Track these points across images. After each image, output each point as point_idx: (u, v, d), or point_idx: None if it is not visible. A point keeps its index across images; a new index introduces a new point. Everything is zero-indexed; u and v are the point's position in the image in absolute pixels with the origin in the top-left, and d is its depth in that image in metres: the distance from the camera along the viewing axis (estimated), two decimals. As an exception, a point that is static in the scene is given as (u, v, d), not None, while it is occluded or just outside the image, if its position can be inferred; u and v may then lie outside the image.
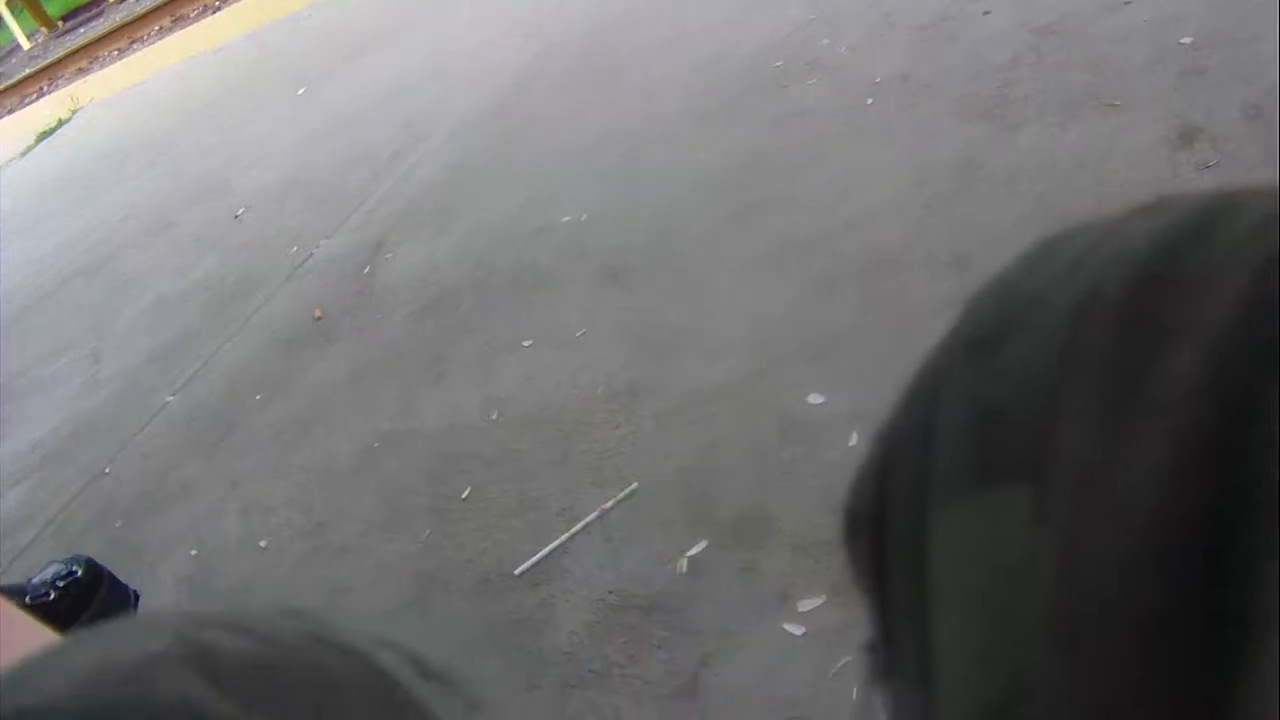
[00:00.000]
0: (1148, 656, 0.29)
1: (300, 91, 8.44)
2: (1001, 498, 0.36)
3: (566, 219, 4.48)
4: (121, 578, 3.33)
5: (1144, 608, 0.29)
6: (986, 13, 4.21)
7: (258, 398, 4.60)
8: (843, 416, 2.92)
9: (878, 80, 4.21)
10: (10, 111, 17.88)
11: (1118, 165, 3.26)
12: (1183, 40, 3.55)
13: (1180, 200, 0.36)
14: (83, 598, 3.31)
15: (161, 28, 16.45)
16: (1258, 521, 0.27)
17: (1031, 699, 0.34)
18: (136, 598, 3.52)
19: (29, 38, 24.20)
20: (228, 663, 0.37)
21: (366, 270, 5.06)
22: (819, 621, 2.47)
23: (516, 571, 3.01)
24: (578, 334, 3.80)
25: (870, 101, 4.11)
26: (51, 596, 3.26)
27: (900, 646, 0.43)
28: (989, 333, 0.41)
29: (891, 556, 0.42)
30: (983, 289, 0.44)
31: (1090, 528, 0.31)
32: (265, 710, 0.35)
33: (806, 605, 2.53)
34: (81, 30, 21.59)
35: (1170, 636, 0.29)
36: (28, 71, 19.64)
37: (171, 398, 5.02)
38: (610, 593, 2.84)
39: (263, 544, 3.72)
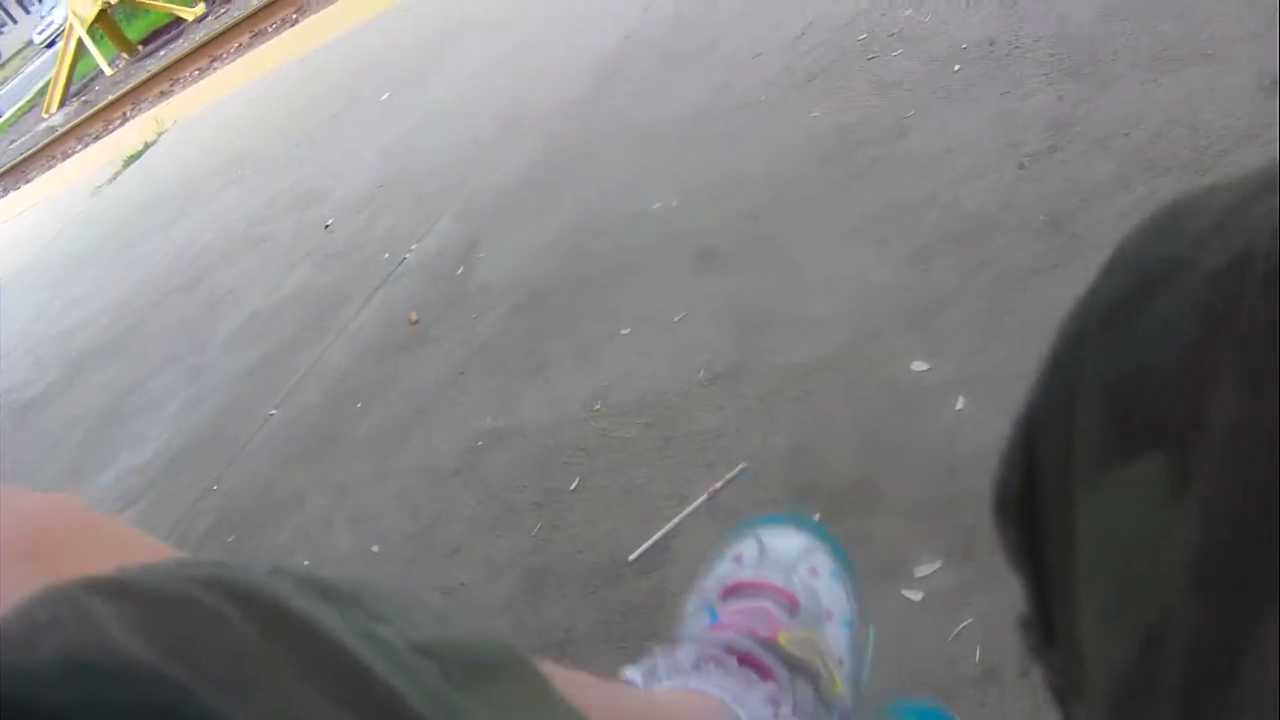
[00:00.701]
0: None
1: (384, 97, 8.48)
2: (1142, 468, 0.35)
3: (658, 205, 4.47)
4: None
5: None
6: (1071, -29, 4.16)
7: (358, 405, 4.63)
8: (948, 381, 2.90)
9: (964, 47, 4.17)
10: (96, 139, 18.16)
11: (1213, 115, 3.20)
12: (1274, -17, 3.49)
13: None
14: None
15: (240, 44, 16.62)
16: None
17: (1165, 655, 0.33)
18: None
19: (110, 64, 24.55)
20: (113, 621, 0.37)
21: (460, 271, 5.07)
22: (937, 586, 2.45)
23: (630, 558, 3.01)
24: (676, 319, 3.79)
25: (957, 68, 4.07)
26: None
27: (1054, 620, 0.43)
28: (1127, 299, 0.39)
29: (1042, 536, 0.42)
30: (1113, 257, 0.42)
31: (1234, 485, 0.30)
32: (153, 655, 0.36)
33: (923, 570, 2.51)
34: (162, 53, 21.88)
35: None
36: (111, 98, 19.94)
37: (274, 411, 5.07)
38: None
39: (375, 549, 3.74)
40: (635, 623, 2.85)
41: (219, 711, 0.35)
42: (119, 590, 0.40)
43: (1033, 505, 0.42)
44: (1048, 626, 0.43)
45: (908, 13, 4.65)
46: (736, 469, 3.05)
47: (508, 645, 0.50)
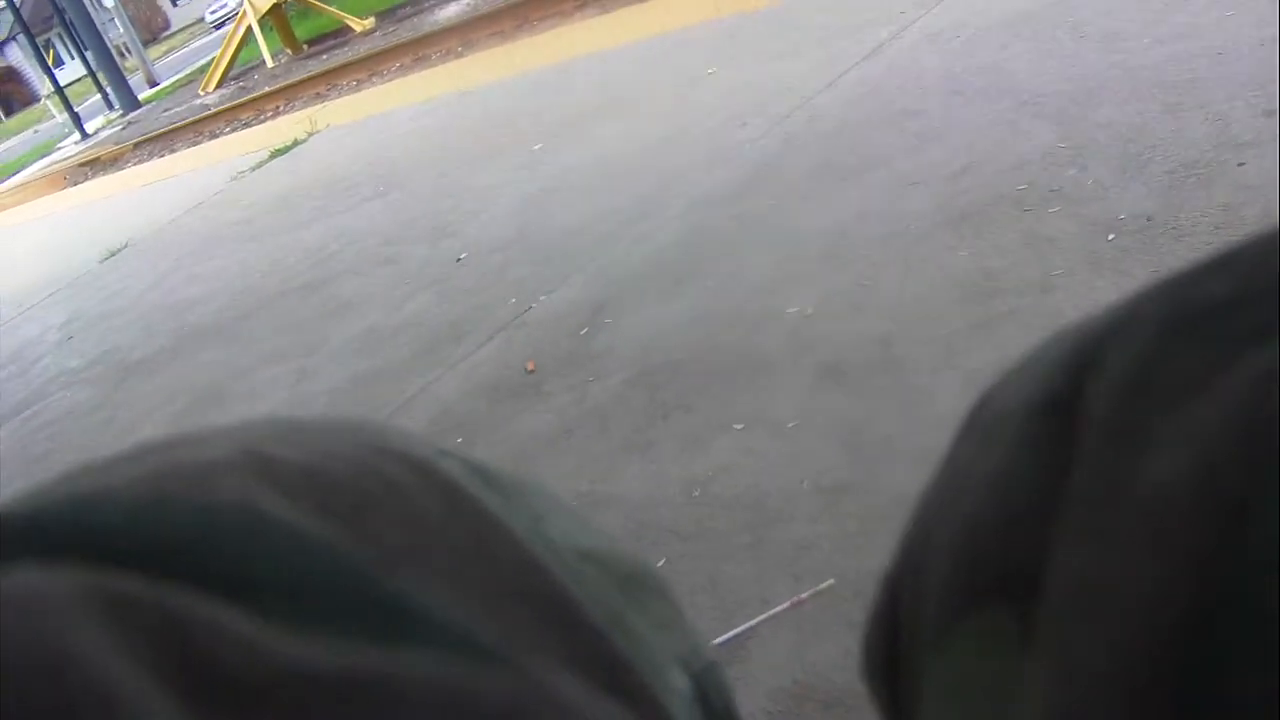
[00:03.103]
0: None
1: (537, 147, 8.56)
2: (986, 622, 0.34)
3: (793, 309, 4.51)
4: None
5: None
6: (1242, 164, 4.16)
7: (459, 440, 4.66)
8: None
9: (1121, 217, 4.18)
10: (245, 125, 18.42)
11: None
12: None
13: (1170, 293, 0.33)
14: None
15: (403, 65, 16.82)
16: (1249, 639, 0.25)
17: None
18: None
19: (274, 57, 24.96)
20: (291, 471, 0.36)
21: (584, 331, 5.13)
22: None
23: (703, 649, 3.02)
24: (790, 425, 3.81)
25: (1112, 237, 4.08)
26: None
27: None
28: (968, 454, 0.38)
29: (903, 701, 0.40)
30: (966, 416, 0.41)
31: (1075, 647, 0.29)
32: (330, 517, 0.35)
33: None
34: (325, 57, 22.16)
35: None
36: (268, 89, 20.24)
37: (375, 426, 5.11)
38: (793, 683, 2.83)
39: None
40: (698, 713, 2.87)
41: (397, 587, 0.34)
42: (296, 439, 0.39)
43: (897, 670, 0.40)
44: None
45: (1071, 172, 4.66)
46: (825, 584, 3.06)
47: (655, 569, 0.48)
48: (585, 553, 0.44)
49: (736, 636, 3.02)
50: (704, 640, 0.47)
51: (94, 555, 0.31)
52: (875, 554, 3.11)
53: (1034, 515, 0.32)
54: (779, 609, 3.04)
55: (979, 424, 0.39)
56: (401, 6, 24.51)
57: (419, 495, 0.38)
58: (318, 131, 13.48)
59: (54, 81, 32.90)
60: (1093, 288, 3.86)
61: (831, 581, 3.06)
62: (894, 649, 0.40)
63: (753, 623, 3.04)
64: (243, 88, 23.92)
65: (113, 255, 11.68)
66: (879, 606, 0.42)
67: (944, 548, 0.37)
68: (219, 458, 0.36)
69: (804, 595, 3.04)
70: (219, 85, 26.31)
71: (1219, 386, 0.28)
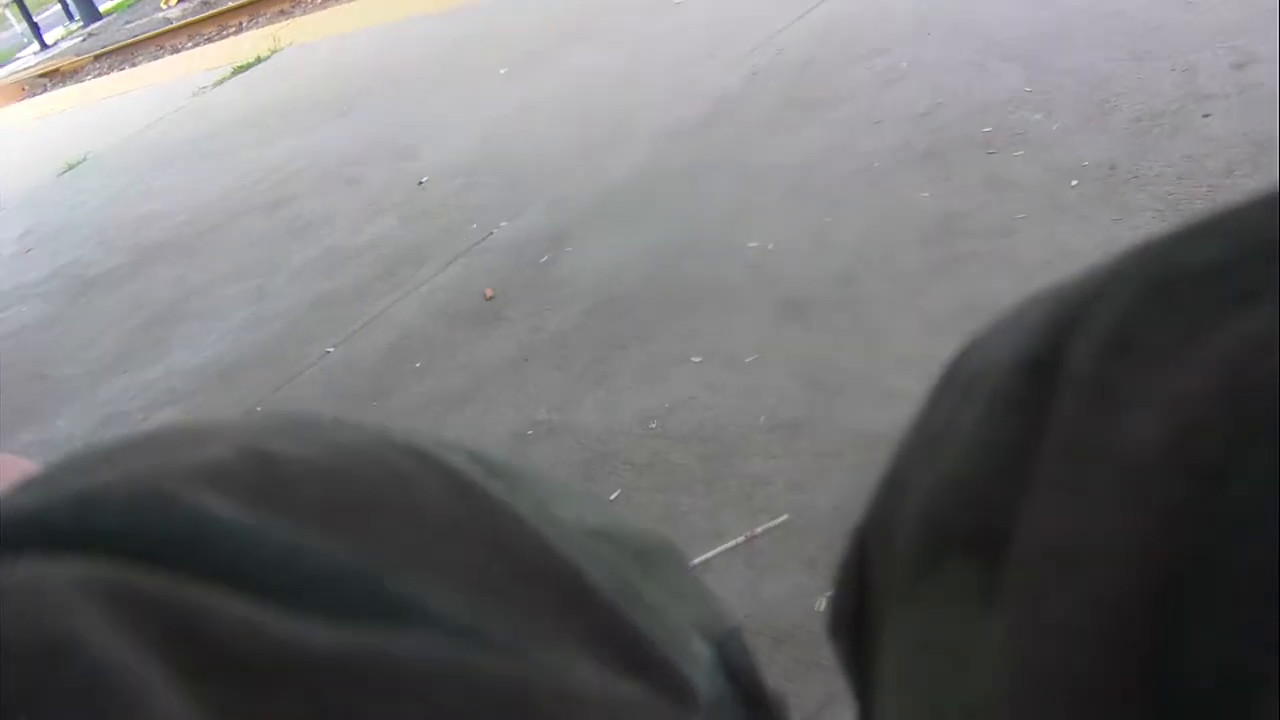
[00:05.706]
0: None
1: (502, 71, 8.50)
2: (952, 577, 0.33)
3: (754, 244, 4.51)
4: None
5: (1100, 684, 0.27)
6: (1207, 115, 4.17)
7: (417, 365, 4.67)
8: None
9: (1085, 164, 4.18)
10: (208, 40, 18.24)
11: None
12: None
13: (1158, 254, 0.33)
14: None
15: (370, -15, 16.68)
16: (1220, 600, 0.25)
17: None
18: None
19: (238, -29, 24.65)
20: (294, 469, 0.36)
21: (545, 259, 5.12)
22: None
23: (655, 580, 3.03)
24: (748, 359, 3.82)
25: (1074, 183, 4.09)
26: None
27: None
28: (944, 411, 0.38)
29: (866, 652, 0.40)
30: (944, 368, 0.41)
31: (1045, 601, 0.29)
32: (333, 520, 0.35)
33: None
34: (291, -27, 21.91)
35: (1126, 713, 0.26)
36: (232, 4, 20.01)
37: (331, 349, 5.11)
38: (745, 617, 2.84)
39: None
40: (647, 643, 2.88)
41: (399, 586, 0.34)
42: (298, 434, 0.39)
43: (861, 626, 0.40)
44: None
45: (1037, 117, 4.66)
46: (779, 519, 3.08)
47: (668, 537, 0.48)
48: (595, 530, 0.44)
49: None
50: (723, 606, 0.48)
51: (95, 549, 0.31)
52: (830, 490, 3.14)
53: (1009, 472, 0.32)
54: (732, 543, 3.06)
55: (956, 381, 0.38)
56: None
57: (426, 486, 0.39)
58: (281, 49, 13.37)
59: (14, -11, 32.43)
60: (1054, 233, 3.88)
61: (786, 517, 3.08)
62: (861, 605, 0.40)
63: (706, 556, 3.05)
64: (206, 2, 23.60)
65: (71, 169, 11.58)
66: (847, 561, 0.42)
67: (917, 502, 0.36)
68: (220, 457, 0.36)
69: (758, 530, 3.06)
70: (182, -1, 26.02)
71: (1203, 349, 0.28)
